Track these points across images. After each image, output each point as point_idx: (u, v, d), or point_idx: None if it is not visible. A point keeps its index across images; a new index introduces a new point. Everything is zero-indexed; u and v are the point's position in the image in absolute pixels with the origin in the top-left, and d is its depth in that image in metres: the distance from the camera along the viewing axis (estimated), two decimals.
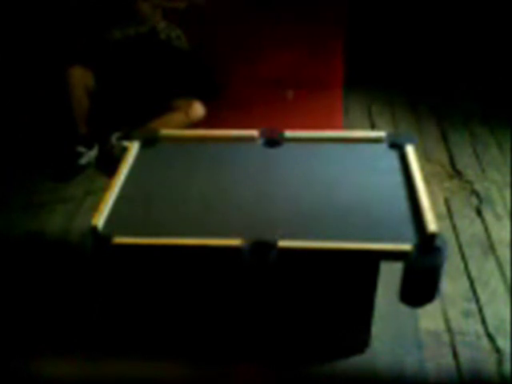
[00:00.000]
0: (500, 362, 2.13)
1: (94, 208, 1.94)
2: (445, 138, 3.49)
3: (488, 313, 2.32)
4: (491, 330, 2.25)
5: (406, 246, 1.71)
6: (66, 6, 3.49)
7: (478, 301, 2.38)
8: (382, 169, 2.10)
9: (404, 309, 2.00)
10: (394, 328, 2.25)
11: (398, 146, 2.19)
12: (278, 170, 2.13)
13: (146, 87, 3.23)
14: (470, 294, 2.42)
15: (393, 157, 2.15)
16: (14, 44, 3.66)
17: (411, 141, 2.20)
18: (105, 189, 2.04)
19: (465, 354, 2.16)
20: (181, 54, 3.29)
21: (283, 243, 1.72)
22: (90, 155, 3.26)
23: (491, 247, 2.65)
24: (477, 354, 2.17)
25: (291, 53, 3.32)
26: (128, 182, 2.06)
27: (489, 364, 2.13)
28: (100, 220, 1.85)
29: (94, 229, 1.81)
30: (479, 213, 2.87)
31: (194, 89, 3.25)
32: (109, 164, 3.00)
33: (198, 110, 3.16)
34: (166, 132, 2.34)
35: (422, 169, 2.11)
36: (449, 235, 2.68)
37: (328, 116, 3.08)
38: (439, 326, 2.28)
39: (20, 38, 3.60)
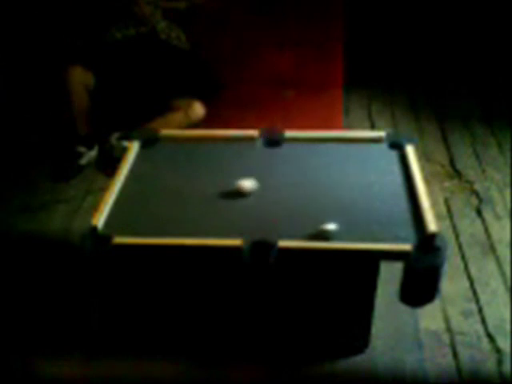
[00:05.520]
0: (500, 362, 2.13)
1: (94, 208, 1.94)
2: (445, 138, 3.49)
3: (488, 313, 2.32)
4: (491, 329, 2.25)
5: (406, 246, 1.71)
6: (66, 6, 3.49)
7: (478, 301, 2.38)
8: (381, 169, 2.10)
9: (404, 309, 2.00)
10: (394, 328, 2.25)
11: (397, 146, 2.19)
12: (277, 170, 2.13)
13: (146, 87, 3.23)
14: (470, 294, 2.41)
15: (393, 157, 2.15)
16: (15, 44, 3.66)
17: (411, 141, 2.20)
18: (105, 189, 2.05)
19: (465, 354, 2.16)
20: (181, 53, 3.29)
21: (283, 243, 1.72)
22: (89, 155, 3.26)
23: (491, 247, 2.65)
24: (477, 353, 2.17)
25: (291, 53, 3.32)
26: (128, 182, 2.07)
27: (489, 364, 2.13)
28: (100, 220, 1.85)
29: (94, 229, 1.81)
30: (479, 213, 2.87)
31: (194, 88, 3.25)
32: (109, 164, 3.00)
33: (198, 110, 3.16)
34: (166, 132, 2.34)
35: (422, 169, 2.11)
36: (449, 235, 2.68)
37: (328, 116, 3.08)
38: (439, 325, 2.27)
39: (20, 38, 3.60)
